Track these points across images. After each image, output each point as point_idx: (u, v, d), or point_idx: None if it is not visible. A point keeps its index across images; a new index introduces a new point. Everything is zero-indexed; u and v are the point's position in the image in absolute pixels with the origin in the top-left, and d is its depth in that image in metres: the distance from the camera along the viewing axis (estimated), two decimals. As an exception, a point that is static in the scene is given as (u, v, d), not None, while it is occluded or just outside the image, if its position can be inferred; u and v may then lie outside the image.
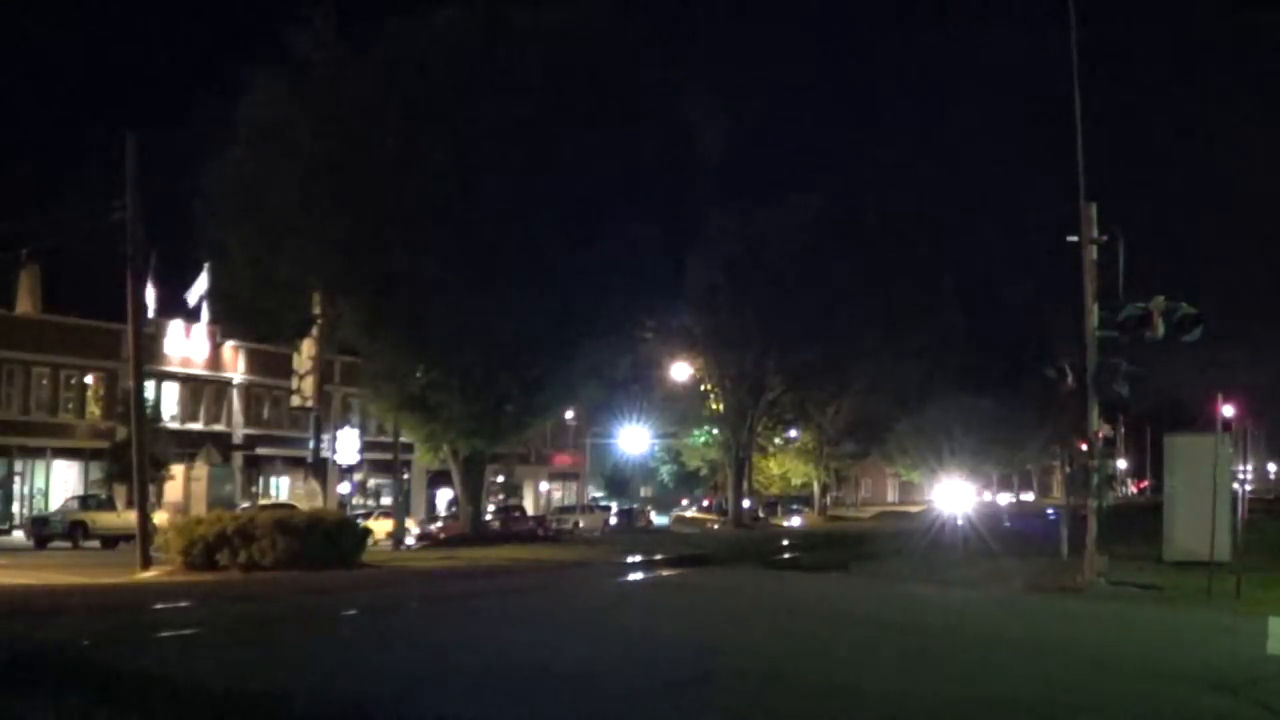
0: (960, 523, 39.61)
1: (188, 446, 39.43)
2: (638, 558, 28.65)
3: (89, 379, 42.66)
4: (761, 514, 58.87)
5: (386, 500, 48.79)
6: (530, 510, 52.38)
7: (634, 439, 59.04)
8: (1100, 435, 19.37)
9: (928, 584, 21.14)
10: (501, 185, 30.06)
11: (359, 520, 30.95)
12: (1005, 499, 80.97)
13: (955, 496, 52.60)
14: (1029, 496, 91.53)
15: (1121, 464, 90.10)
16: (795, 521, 57.75)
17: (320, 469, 39.95)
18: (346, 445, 37.92)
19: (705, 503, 60.53)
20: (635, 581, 23.87)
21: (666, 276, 35.66)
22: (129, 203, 23.96)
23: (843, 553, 32.20)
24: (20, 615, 15.38)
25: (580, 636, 12.97)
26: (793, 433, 59.77)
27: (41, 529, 34.03)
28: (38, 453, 40.99)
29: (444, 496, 49.52)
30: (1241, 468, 24.85)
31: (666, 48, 33.24)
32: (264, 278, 30.98)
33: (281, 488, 49.60)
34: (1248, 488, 31.35)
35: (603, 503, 58.25)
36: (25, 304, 40.97)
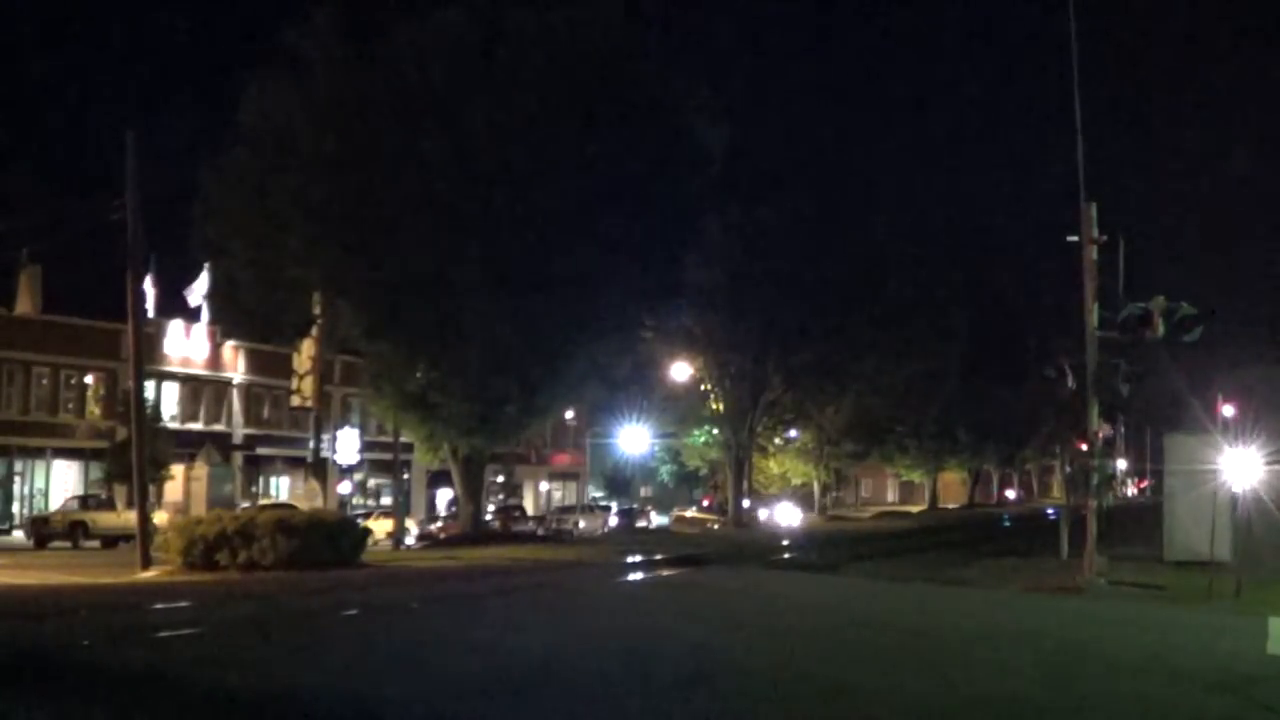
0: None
1: (188, 446, 39.37)
2: (638, 558, 28.62)
3: (89, 379, 42.66)
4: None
5: (386, 500, 48.76)
6: (530, 510, 52.36)
7: (634, 439, 58.97)
8: (1100, 435, 19.41)
9: (926, 584, 21.19)
10: (501, 185, 30.06)
11: (359, 520, 30.93)
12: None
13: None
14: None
15: (1121, 464, 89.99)
16: (795, 522, 57.72)
17: (320, 469, 39.97)
18: (346, 445, 37.92)
19: (705, 503, 60.44)
20: (635, 581, 23.86)
21: (666, 276, 35.59)
22: (129, 202, 23.95)
23: (842, 553, 32.24)
24: (20, 615, 15.39)
25: (580, 636, 12.98)
26: (793, 433, 59.71)
27: (41, 529, 34.01)
28: (38, 453, 40.99)
29: (444, 496, 49.49)
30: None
31: (667, 48, 33.14)
32: (264, 278, 30.97)
33: (281, 488, 49.59)
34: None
35: (603, 503, 58.14)
36: (25, 304, 40.97)
